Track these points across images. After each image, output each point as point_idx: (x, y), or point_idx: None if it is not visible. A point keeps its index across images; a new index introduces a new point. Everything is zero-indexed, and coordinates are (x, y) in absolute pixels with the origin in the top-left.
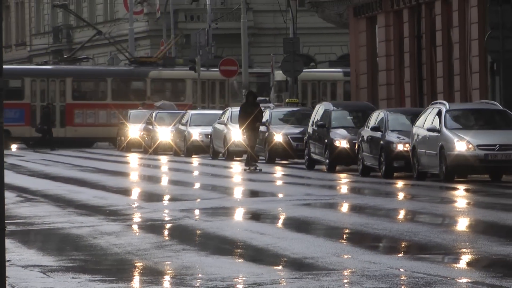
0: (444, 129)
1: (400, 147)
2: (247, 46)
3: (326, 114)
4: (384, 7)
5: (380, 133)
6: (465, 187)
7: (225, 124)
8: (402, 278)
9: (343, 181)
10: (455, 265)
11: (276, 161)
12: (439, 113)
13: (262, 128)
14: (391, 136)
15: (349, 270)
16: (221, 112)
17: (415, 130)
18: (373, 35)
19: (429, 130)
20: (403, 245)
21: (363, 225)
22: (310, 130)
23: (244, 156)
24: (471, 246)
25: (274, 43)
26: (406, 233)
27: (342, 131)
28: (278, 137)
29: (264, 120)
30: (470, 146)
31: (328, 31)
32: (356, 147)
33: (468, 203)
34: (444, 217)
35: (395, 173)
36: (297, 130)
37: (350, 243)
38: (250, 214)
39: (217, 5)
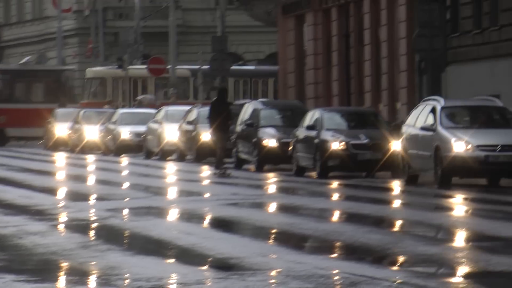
0: (439, 127)
1: (335, 145)
2: (175, 44)
3: (255, 112)
4: (313, 6)
5: (315, 132)
6: (387, 186)
7: (160, 123)
8: (328, 278)
9: (271, 181)
10: (381, 265)
11: (204, 161)
12: (433, 110)
13: (189, 127)
14: (326, 135)
15: (275, 270)
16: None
17: (405, 129)
18: (301, 34)
19: (423, 129)
20: (329, 245)
21: (289, 225)
22: (238, 129)
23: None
24: (397, 246)
25: (202, 41)
26: (332, 233)
27: (271, 130)
28: (206, 136)
29: (191, 119)
30: (469, 146)
31: (257, 30)
32: (291, 147)
33: (395, 203)
34: (370, 217)
35: (330, 173)
36: None
37: (276, 243)
38: (177, 214)
39: (146, 3)
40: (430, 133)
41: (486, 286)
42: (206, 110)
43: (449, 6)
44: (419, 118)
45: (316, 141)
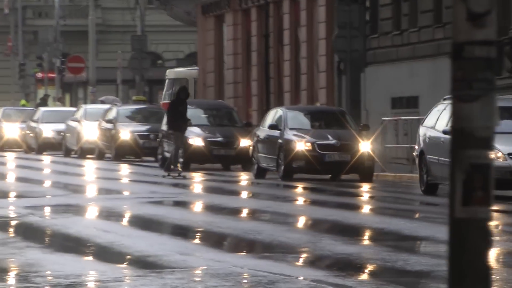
0: None
1: (300, 146)
2: (95, 43)
3: None
4: (232, 6)
5: (278, 131)
6: (305, 186)
7: (79, 121)
8: (245, 276)
9: (197, 180)
10: (299, 263)
11: (124, 159)
12: None
13: (108, 125)
14: (290, 135)
15: (193, 268)
16: (74, 109)
17: (422, 131)
18: (221, 34)
19: (446, 132)
20: (247, 243)
21: (208, 223)
22: (164, 128)
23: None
24: (315, 245)
25: (122, 40)
26: (250, 232)
27: (197, 130)
28: (125, 135)
29: (111, 117)
30: (500, 154)
31: (177, 29)
32: (251, 147)
33: (313, 202)
34: (288, 216)
35: (294, 175)
36: (144, 128)
37: (195, 241)
38: (95, 212)
39: (66, 2)
40: None
41: (403, 286)
42: (125, 109)
43: (369, 7)
44: (440, 119)
45: (279, 141)
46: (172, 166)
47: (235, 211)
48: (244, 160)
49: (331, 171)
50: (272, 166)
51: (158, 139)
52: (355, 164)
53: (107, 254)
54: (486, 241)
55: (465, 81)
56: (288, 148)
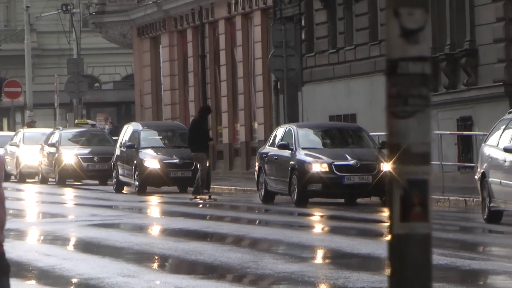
0: None
1: (316, 167)
2: (31, 67)
3: (135, 134)
4: (168, 27)
5: (290, 151)
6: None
7: (17, 146)
8: None
9: (153, 203)
10: (240, 284)
11: (67, 183)
12: None
13: (51, 149)
14: (304, 155)
15: None
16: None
17: (486, 150)
18: (157, 55)
19: (507, 150)
20: (188, 264)
21: (149, 245)
22: (118, 151)
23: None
24: (257, 264)
25: (58, 64)
26: (191, 252)
27: (152, 152)
28: (68, 158)
29: (54, 141)
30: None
31: (112, 52)
32: (257, 168)
33: (255, 222)
34: (229, 236)
35: (310, 199)
36: (86, 151)
37: (136, 263)
38: (36, 236)
39: (1, 26)
40: None
41: None
42: (68, 132)
43: (304, 26)
44: (504, 136)
45: (291, 162)
46: (202, 189)
47: (176, 232)
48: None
49: (351, 195)
50: (283, 190)
51: (111, 162)
52: (376, 186)
53: (49, 278)
54: (426, 257)
55: (400, 97)
56: (303, 169)
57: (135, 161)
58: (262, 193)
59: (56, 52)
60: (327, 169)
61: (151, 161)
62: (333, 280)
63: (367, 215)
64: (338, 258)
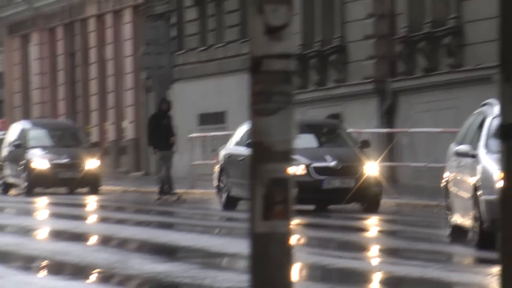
0: (482, 152)
1: (291, 170)
2: None
3: (23, 133)
4: (38, 25)
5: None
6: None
7: None
8: None
9: (41, 205)
10: (108, 284)
11: None
12: (481, 124)
13: None
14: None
15: None
16: None
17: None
18: (27, 53)
19: (459, 154)
20: (55, 265)
21: (15, 245)
22: (5, 151)
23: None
24: (124, 264)
25: None
26: (59, 253)
27: (41, 151)
28: None
29: None
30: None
31: None
32: (217, 170)
33: (120, 221)
34: (97, 236)
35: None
36: None
37: (2, 264)
38: None
39: None
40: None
41: None
42: None
43: (175, 24)
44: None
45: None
46: (168, 189)
47: (43, 232)
48: (91, 183)
49: (332, 200)
50: (246, 195)
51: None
52: (358, 191)
53: None
54: (287, 255)
55: (264, 94)
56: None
57: (23, 161)
58: (224, 198)
59: None
60: (304, 172)
61: (40, 161)
62: (200, 280)
63: (229, 214)
64: (205, 258)
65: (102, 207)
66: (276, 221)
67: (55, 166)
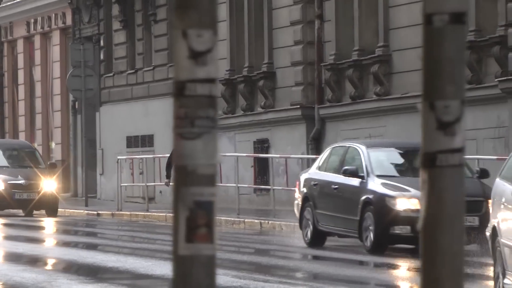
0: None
1: (402, 203)
2: None
3: None
4: None
5: (359, 180)
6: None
7: None
8: None
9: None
10: None
11: None
12: None
13: None
14: (381, 186)
15: None
16: None
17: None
18: None
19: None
20: None
21: None
22: None
23: None
24: (51, 284)
25: None
26: None
27: None
28: None
29: None
30: None
31: None
32: (301, 199)
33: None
34: (24, 256)
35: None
36: None
37: None
38: None
39: None
40: None
41: None
42: None
43: (103, 46)
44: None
45: (363, 195)
46: None
47: None
48: (48, 205)
49: None
50: (351, 232)
51: None
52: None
53: None
54: (210, 278)
55: (187, 118)
56: (383, 205)
57: None
58: (309, 233)
59: None
60: (417, 206)
61: None
62: None
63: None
64: (132, 279)
65: (58, 230)
66: (200, 243)
67: (11, 187)
